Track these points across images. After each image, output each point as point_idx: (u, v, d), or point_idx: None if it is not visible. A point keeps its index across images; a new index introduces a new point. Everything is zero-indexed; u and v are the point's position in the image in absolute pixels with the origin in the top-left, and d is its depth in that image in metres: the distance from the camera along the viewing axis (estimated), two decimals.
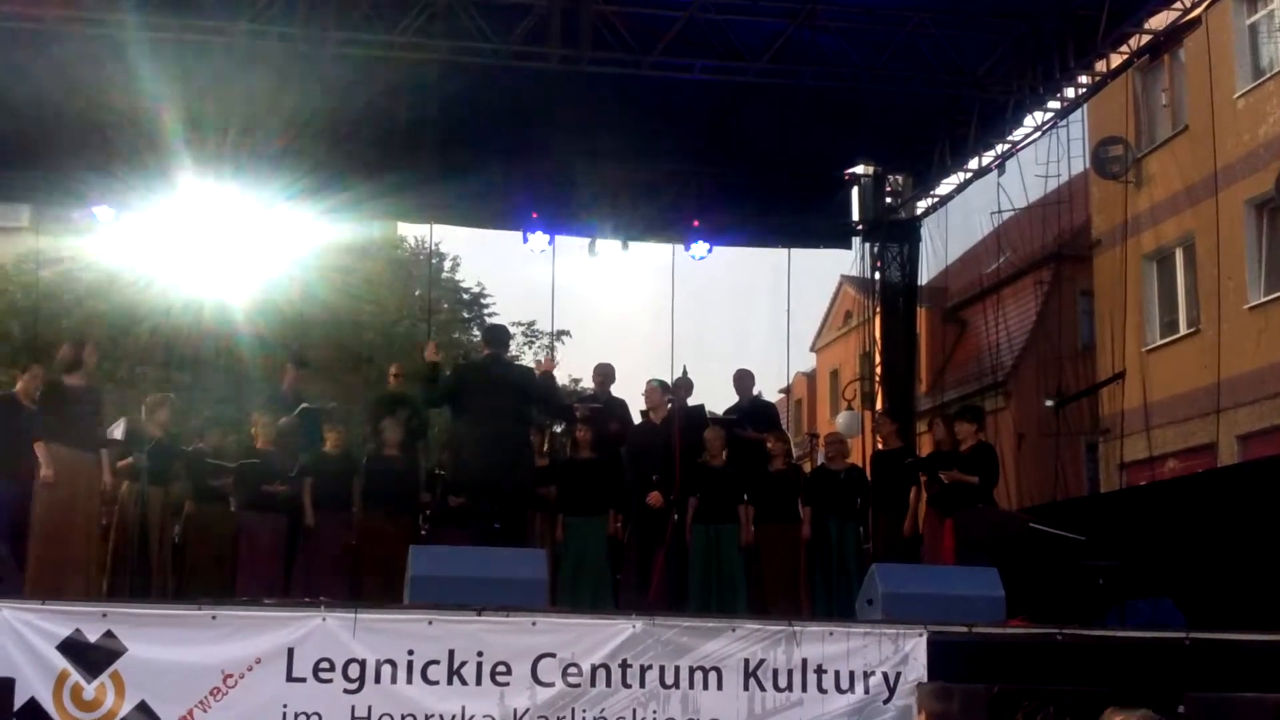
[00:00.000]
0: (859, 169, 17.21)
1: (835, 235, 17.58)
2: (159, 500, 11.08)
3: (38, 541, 10.14)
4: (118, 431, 11.16)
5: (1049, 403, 15.96)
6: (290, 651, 7.95)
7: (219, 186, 14.66)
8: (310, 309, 23.20)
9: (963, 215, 17.00)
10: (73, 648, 7.78)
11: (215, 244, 15.61)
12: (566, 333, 31.44)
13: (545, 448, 12.08)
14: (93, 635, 7.81)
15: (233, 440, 11.83)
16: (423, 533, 11.89)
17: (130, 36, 12.15)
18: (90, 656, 7.78)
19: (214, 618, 8.02)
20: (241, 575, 11.12)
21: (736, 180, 16.34)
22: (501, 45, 12.63)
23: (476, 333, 31.48)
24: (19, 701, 7.59)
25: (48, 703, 7.69)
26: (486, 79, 13.36)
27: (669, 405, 11.93)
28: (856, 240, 17.53)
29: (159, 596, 10.42)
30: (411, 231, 29.42)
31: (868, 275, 17.69)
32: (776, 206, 16.70)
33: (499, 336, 11.95)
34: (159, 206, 15.04)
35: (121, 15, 11.96)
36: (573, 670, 8.17)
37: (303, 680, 7.93)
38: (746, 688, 8.30)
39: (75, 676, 7.74)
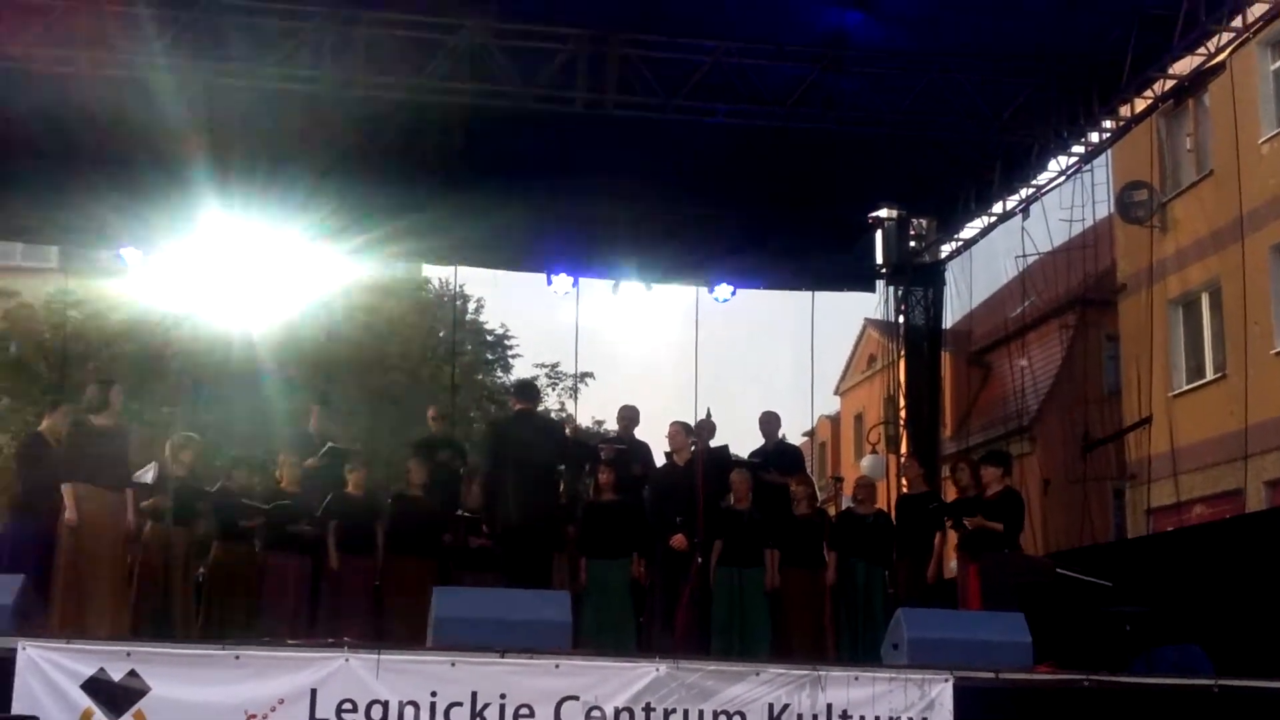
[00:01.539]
0: (883, 212, 17.21)
1: (859, 278, 17.59)
2: (183, 540, 11.11)
3: (62, 580, 10.17)
4: (149, 475, 11.18)
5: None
6: (314, 692, 7.93)
7: (246, 226, 14.75)
8: (336, 348, 23.31)
9: (987, 259, 16.98)
10: (97, 686, 7.77)
11: (242, 284, 15.71)
12: (590, 374, 31.38)
13: (562, 488, 12.11)
14: (117, 674, 7.81)
15: (259, 480, 11.85)
16: (450, 574, 11.87)
17: (160, 79, 12.26)
18: (114, 695, 7.77)
19: (238, 658, 8.02)
20: (265, 615, 11.12)
21: (760, 223, 16.32)
22: (527, 88, 12.71)
23: (500, 374, 31.56)
24: None
25: None
26: (512, 121, 13.44)
27: (693, 447, 11.92)
28: (880, 284, 17.55)
29: (183, 636, 10.43)
30: (436, 273, 29.53)
31: (892, 318, 17.68)
32: (800, 249, 16.70)
33: (530, 393, 12.34)
34: (186, 246, 15.15)
35: (151, 58, 12.07)
36: (596, 713, 8.12)
37: None
38: None
39: (99, 715, 7.73)
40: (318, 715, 7.91)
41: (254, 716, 7.85)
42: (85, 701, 7.75)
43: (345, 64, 12.46)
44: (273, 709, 7.88)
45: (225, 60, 12.33)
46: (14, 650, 7.77)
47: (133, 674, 7.82)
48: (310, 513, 11.41)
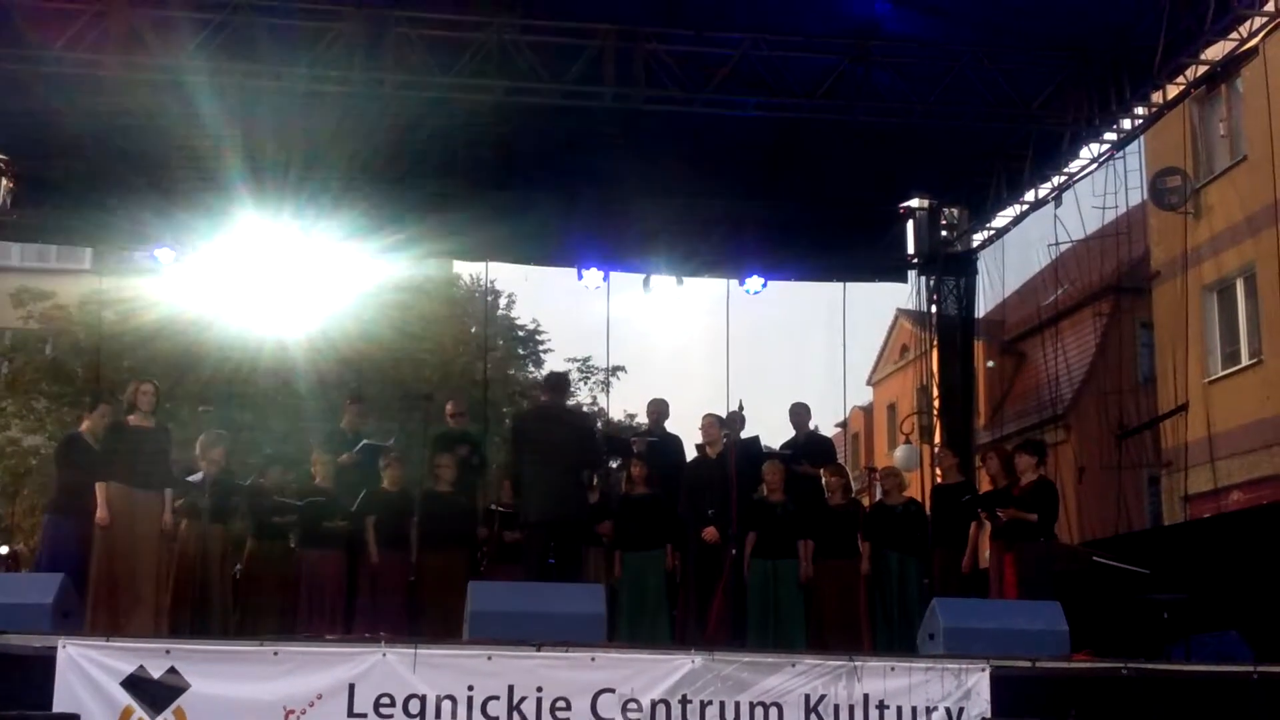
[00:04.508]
0: (914, 202, 17.17)
1: (891, 269, 17.53)
2: (219, 538, 11.17)
3: (95, 579, 10.24)
4: (198, 478, 11.22)
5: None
6: (351, 687, 7.97)
7: (278, 226, 14.83)
8: (368, 347, 23.38)
9: (1020, 248, 16.90)
10: (137, 684, 7.84)
11: (274, 283, 15.78)
12: (622, 368, 31.50)
13: (595, 483, 12.10)
14: (156, 671, 7.87)
15: (293, 478, 11.90)
16: (481, 569, 11.91)
17: (192, 81, 12.33)
18: (154, 693, 7.84)
19: (276, 654, 8.07)
20: (303, 611, 11.18)
21: (791, 215, 16.31)
22: (556, 84, 12.73)
23: (532, 369, 31.60)
24: None
25: None
26: (542, 118, 13.46)
27: (725, 439, 11.91)
28: (912, 274, 17.48)
29: (221, 633, 10.49)
30: (467, 269, 29.61)
31: (924, 308, 17.62)
32: (831, 241, 16.67)
33: (559, 384, 11.99)
34: (219, 246, 15.24)
35: (184, 61, 12.14)
36: (632, 706, 8.13)
37: (364, 716, 7.93)
38: None
39: (139, 712, 7.79)
40: (356, 710, 7.95)
41: (292, 712, 7.90)
42: (125, 699, 7.81)
43: (375, 64, 12.50)
44: (311, 704, 7.92)
45: (256, 62, 12.39)
46: (54, 649, 7.84)
47: (172, 671, 7.88)
48: (344, 509, 11.46)
